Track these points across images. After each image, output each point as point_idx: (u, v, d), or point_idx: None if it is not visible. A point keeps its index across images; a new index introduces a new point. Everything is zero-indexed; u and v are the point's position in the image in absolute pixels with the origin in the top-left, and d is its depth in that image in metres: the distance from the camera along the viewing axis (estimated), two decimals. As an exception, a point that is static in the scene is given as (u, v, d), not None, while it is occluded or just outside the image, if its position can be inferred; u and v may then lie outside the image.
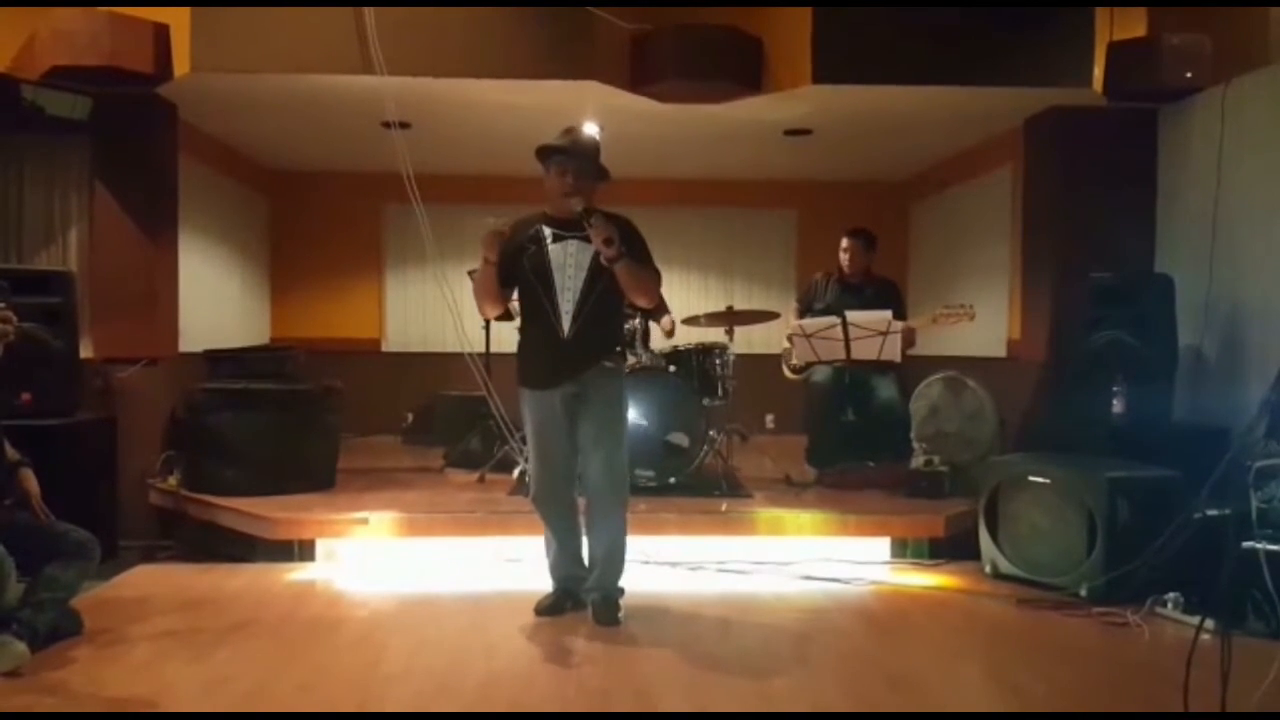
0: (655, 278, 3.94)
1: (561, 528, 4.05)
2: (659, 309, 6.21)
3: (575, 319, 3.79)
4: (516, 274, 3.88)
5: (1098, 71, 5.54)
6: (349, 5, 5.17)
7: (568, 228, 3.84)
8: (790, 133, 6.83)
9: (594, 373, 3.83)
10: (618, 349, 3.99)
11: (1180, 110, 5.71)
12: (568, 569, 4.10)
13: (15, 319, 3.50)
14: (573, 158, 3.85)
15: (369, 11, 5.13)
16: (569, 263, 3.83)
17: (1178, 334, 5.20)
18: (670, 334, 6.07)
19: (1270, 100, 5.03)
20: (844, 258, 5.96)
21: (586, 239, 3.75)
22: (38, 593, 3.51)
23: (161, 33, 5.25)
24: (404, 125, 5.86)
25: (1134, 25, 5.66)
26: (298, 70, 5.34)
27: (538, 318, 3.86)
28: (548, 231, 3.87)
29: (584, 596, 4.05)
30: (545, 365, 3.86)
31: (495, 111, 6.06)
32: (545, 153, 3.89)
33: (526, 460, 5.27)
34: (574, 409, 3.87)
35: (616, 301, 3.90)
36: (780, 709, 3.11)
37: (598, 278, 3.80)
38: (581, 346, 3.81)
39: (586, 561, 4.08)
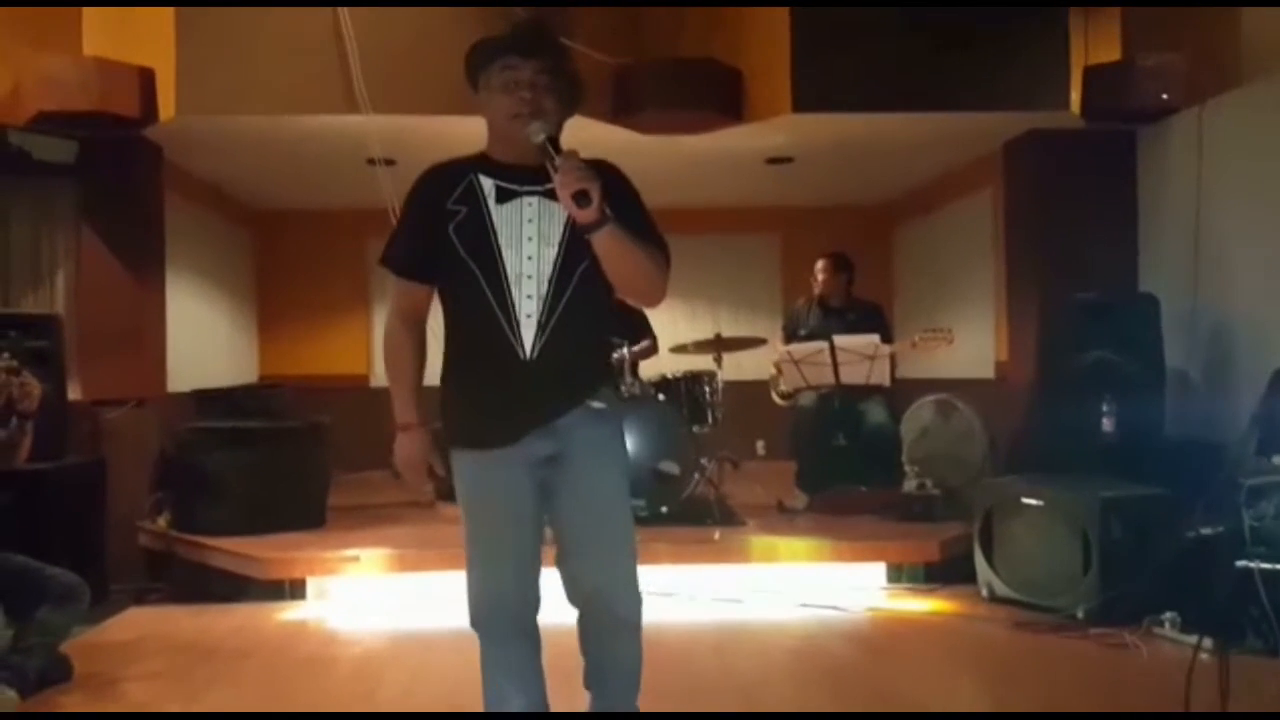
0: (660, 257, 2.36)
1: (519, 668, 2.47)
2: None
3: (543, 327, 2.30)
4: (438, 256, 2.35)
5: (1075, 94, 5.61)
6: None
7: (522, 176, 2.35)
8: (772, 161, 6.88)
9: (577, 418, 2.35)
10: (609, 375, 2.60)
11: (1158, 131, 5.78)
12: None
13: (39, 389, 3.46)
14: (534, 55, 2.34)
15: (353, 51, 5.16)
16: (527, 233, 2.33)
17: (1164, 351, 5.23)
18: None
19: (1245, 120, 5.10)
20: (819, 278, 5.99)
21: (555, 193, 2.25)
22: (28, 638, 3.47)
23: (147, 76, 5.28)
24: (389, 162, 5.88)
25: (1109, 48, 5.75)
26: (283, 111, 5.37)
27: (478, 329, 2.33)
28: (488, 184, 2.37)
29: None
30: (495, 409, 2.34)
31: (478, 147, 6.06)
32: (485, 54, 2.38)
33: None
34: (545, 479, 2.37)
35: (605, 295, 2.40)
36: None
37: (576, 255, 2.31)
38: (555, 374, 2.31)
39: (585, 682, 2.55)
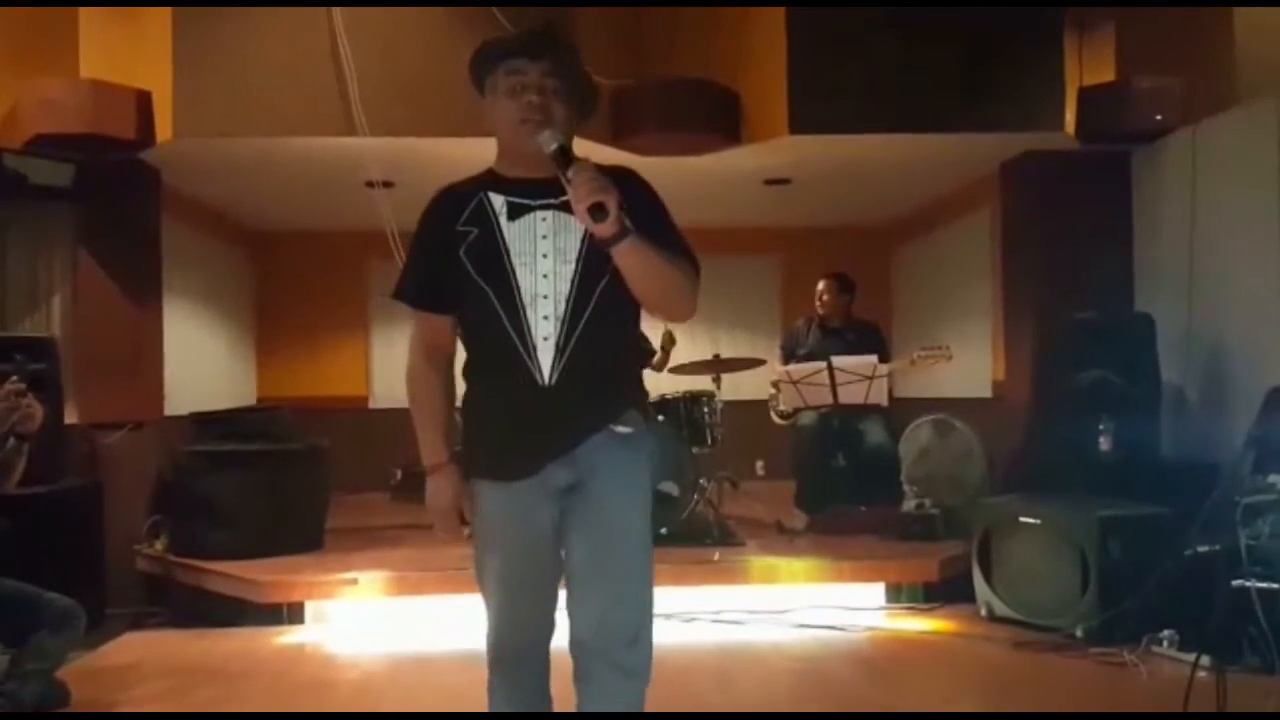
0: (688, 268, 2.18)
1: (528, 696, 2.36)
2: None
3: (562, 351, 2.12)
4: (452, 283, 2.20)
5: (1070, 116, 5.63)
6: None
7: (534, 190, 2.18)
8: (770, 182, 6.91)
9: (599, 443, 2.17)
10: (635, 397, 2.33)
11: (1152, 152, 5.81)
12: None
13: (41, 412, 3.46)
14: (542, 57, 2.18)
15: (350, 73, 5.18)
16: (542, 250, 2.16)
17: (1160, 371, 5.24)
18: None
19: (1239, 140, 5.13)
20: (823, 299, 6.01)
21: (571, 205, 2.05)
22: (23, 663, 3.45)
23: (144, 99, 5.28)
24: (387, 185, 5.91)
25: (1104, 70, 5.78)
26: (281, 133, 5.38)
27: (494, 354, 2.17)
28: (498, 200, 2.20)
29: None
30: (513, 440, 2.18)
31: (476, 168, 6.08)
32: (490, 56, 2.21)
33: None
34: (565, 507, 2.19)
35: (629, 312, 2.22)
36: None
37: (596, 272, 2.13)
38: (575, 400, 2.13)
39: None
